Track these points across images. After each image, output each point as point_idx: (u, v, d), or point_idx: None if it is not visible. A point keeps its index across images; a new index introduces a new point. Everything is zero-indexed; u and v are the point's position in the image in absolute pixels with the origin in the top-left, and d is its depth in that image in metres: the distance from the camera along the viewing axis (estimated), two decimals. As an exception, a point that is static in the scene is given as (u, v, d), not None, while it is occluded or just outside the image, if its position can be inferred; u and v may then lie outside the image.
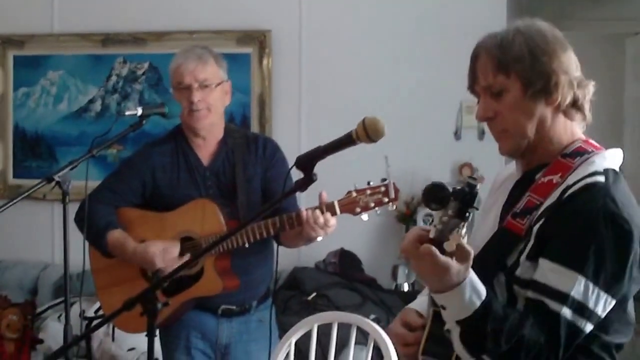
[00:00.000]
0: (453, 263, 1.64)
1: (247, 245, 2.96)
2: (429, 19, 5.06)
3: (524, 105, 1.83)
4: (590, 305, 1.70)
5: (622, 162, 1.86)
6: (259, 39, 5.20)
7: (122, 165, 3.30)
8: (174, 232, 3.09)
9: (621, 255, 1.72)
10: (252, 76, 5.21)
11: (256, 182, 3.13)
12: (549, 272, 1.71)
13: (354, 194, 2.87)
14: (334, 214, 2.87)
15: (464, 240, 1.66)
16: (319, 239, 2.90)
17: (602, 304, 1.72)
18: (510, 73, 1.82)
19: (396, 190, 2.84)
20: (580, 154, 1.83)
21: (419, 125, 5.04)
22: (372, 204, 2.86)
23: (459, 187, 1.63)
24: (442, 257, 1.63)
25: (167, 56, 5.22)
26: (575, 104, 1.84)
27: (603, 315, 1.73)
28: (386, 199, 2.85)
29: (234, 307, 3.14)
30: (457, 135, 5.02)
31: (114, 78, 5.43)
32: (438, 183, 1.66)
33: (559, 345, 1.70)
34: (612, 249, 1.71)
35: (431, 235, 1.64)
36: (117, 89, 5.43)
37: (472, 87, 1.91)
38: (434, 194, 1.65)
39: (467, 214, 1.61)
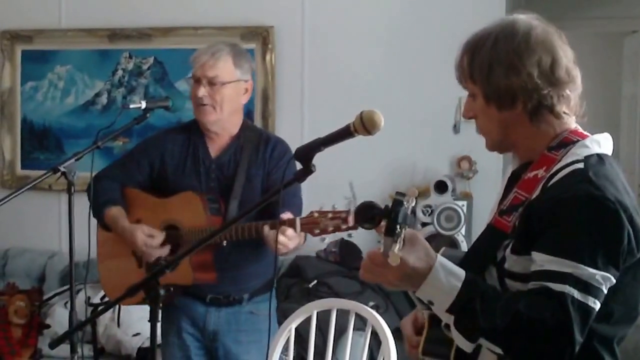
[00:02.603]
0: (405, 253, 1.65)
1: (224, 243, 2.97)
2: (429, 15, 5.10)
3: (488, 112, 1.85)
4: (595, 283, 1.67)
5: (619, 159, 1.86)
6: (262, 35, 5.24)
7: (136, 146, 3.39)
8: (162, 219, 3.17)
9: (612, 234, 1.70)
10: (256, 71, 5.17)
11: (256, 182, 3.14)
12: (546, 262, 1.69)
13: (316, 215, 2.84)
14: (295, 230, 2.84)
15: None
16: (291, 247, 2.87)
17: (604, 282, 1.68)
18: (475, 81, 1.85)
19: (357, 219, 2.75)
20: (565, 145, 1.83)
21: (419, 119, 5.09)
22: (331, 228, 2.81)
23: (386, 205, 1.64)
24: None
25: (172, 51, 5.37)
26: (546, 106, 1.82)
27: (606, 291, 1.69)
28: (344, 226, 2.80)
29: (221, 297, 3.19)
30: (456, 128, 5.06)
31: (119, 72, 5.49)
32: (367, 203, 1.69)
33: (570, 325, 1.64)
34: (602, 230, 1.69)
35: (381, 250, 1.65)
36: (122, 83, 5.48)
37: (459, 82, 1.93)
38: (364, 214, 1.69)
39: (397, 231, 1.60)
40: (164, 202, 3.20)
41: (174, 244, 3.14)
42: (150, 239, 3.11)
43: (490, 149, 1.94)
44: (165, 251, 3.12)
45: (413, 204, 1.66)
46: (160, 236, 3.12)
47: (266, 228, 2.86)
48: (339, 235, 4.90)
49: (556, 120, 1.84)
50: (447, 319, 1.73)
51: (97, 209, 3.21)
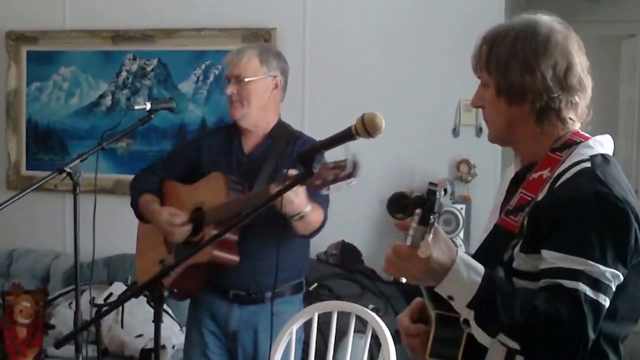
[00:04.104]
0: (432, 248, 1.66)
1: (245, 220, 2.89)
2: (429, 18, 5.12)
3: (497, 104, 1.90)
4: (605, 280, 1.70)
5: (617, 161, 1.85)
6: (264, 37, 5.24)
7: (181, 142, 3.63)
8: (190, 204, 3.25)
9: (621, 232, 1.73)
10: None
11: (280, 177, 3.14)
12: (557, 260, 1.71)
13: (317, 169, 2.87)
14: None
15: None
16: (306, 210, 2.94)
17: (614, 280, 1.71)
18: (490, 73, 1.89)
19: (355, 165, 2.64)
20: (569, 146, 1.86)
21: (419, 122, 5.10)
22: (331, 178, 2.69)
23: (420, 195, 1.66)
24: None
25: (176, 53, 5.40)
26: (553, 109, 1.86)
27: (614, 289, 1.72)
28: (342, 174, 2.64)
29: (243, 293, 3.22)
30: (455, 132, 5.07)
31: (124, 74, 5.49)
32: (400, 192, 1.70)
33: (584, 322, 1.67)
34: (611, 228, 1.72)
35: (407, 243, 1.66)
36: (127, 85, 5.49)
37: (474, 70, 1.97)
38: (397, 204, 1.70)
39: (430, 220, 1.62)
40: (191, 188, 3.30)
41: (197, 224, 3.22)
42: (173, 217, 3.19)
43: (492, 140, 1.99)
44: (187, 229, 3.20)
45: (443, 195, 1.68)
46: (183, 215, 3.20)
47: (272, 186, 2.92)
48: (340, 236, 4.93)
49: (560, 124, 1.88)
50: (467, 314, 1.73)
51: (133, 199, 3.36)
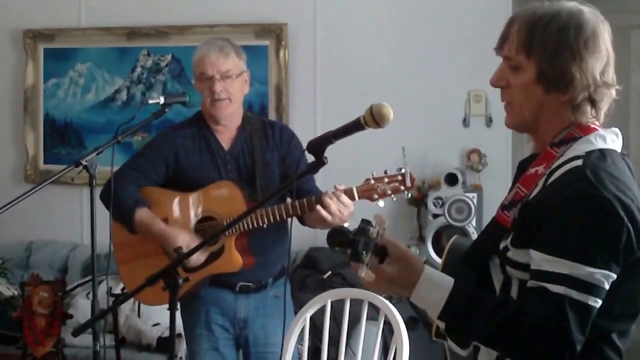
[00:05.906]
0: (392, 268, 1.77)
1: (265, 225, 3.07)
2: (438, 11, 5.14)
3: (532, 90, 1.80)
4: (594, 281, 1.65)
5: (628, 152, 1.82)
6: (276, 32, 5.31)
7: (146, 147, 3.39)
8: (196, 211, 3.21)
9: (609, 232, 1.67)
10: (270, 67, 5.33)
11: (274, 166, 3.25)
12: (544, 262, 1.68)
13: (372, 182, 2.99)
14: (352, 199, 2.99)
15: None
16: (346, 224, 2.96)
17: (605, 280, 1.66)
18: (531, 56, 1.78)
19: (412, 179, 2.98)
20: (566, 142, 1.80)
21: (429, 113, 5.14)
22: (389, 191, 2.97)
23: (352, 233, 1.75)
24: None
25: (189, 48, 5.41)
26: (592, 101, 1.79)
27: (608, 288, 1.67)
28: (402, 187, 2.98)
29: (251, 284, 3.26)
30: (465, 122, 5.11)
31: (138, 69, 5.57)
32: (337, 228, 1.79)
33: (567, 326, 1.64)
34: (599, 229, 1.67)
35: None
36: (141, 80, 5.56)
37: (499, 49, 1.86)
38: (334, 239, 1.79)
39: (361, 256, 1.71)
40: (190, 195, 3.23)
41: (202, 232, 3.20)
42: (193, 244, 3.07)
43: (512, 126, 1.89)
44: (203, 257, 3.15)
45: (385, 226, 1.77)
46: (196, 242, 3.10)
47: (327, 199, 2.97)
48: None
49: (590, 116, 1.82)
50: (440, 325, 1.77)
51: (124, 213, 3.19)
